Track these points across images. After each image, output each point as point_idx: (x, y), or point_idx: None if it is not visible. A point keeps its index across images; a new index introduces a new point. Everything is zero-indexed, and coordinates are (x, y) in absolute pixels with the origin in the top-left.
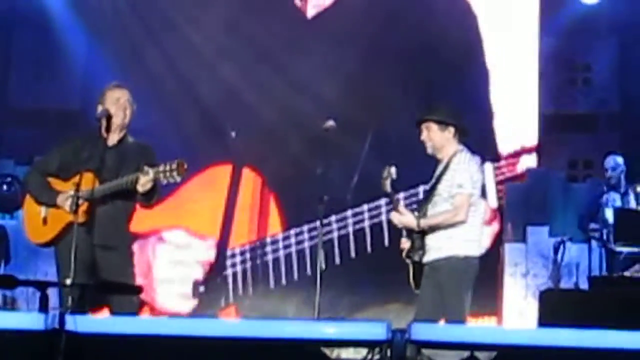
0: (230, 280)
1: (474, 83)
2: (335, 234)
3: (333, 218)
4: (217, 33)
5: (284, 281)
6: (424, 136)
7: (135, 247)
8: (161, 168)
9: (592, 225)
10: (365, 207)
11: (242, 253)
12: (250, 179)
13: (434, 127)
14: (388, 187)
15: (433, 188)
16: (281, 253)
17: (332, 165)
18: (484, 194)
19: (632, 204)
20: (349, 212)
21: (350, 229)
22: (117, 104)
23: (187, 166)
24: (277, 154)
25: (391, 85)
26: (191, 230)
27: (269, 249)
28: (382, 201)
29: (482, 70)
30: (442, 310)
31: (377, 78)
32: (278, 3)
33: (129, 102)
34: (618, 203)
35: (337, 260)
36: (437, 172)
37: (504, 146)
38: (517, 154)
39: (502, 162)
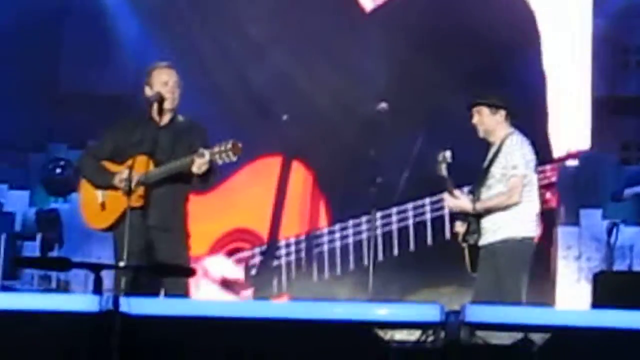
0: (283, 269)
1: (528, 65)
2: (394, 226)
3: (394, 210)
4: (269, 20)
5: (338, 271)
6: (476, 120)
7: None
8: (216, 149)
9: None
10: (427, 200)
11: (295, 244)
12: (300, 171)
13: (485, 110)
14: (444, 171)
15: (486, 171)
16: (337, 244)
17: (384, 149)
18: None
19: None
20: (410, 205)
21: (411, 222)
22: (166, 87)
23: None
24: (329, 140)
25: (444, 74)
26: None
27: (322, 239)
28: (427, 200)
29: (536, 53)
30: (500, 293)
31: (429, 66)
32: None
33: (177, 83)
34: None
35: (396, 251)
36: (490, 154)
37: (556, 145)
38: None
39: (547, 167)
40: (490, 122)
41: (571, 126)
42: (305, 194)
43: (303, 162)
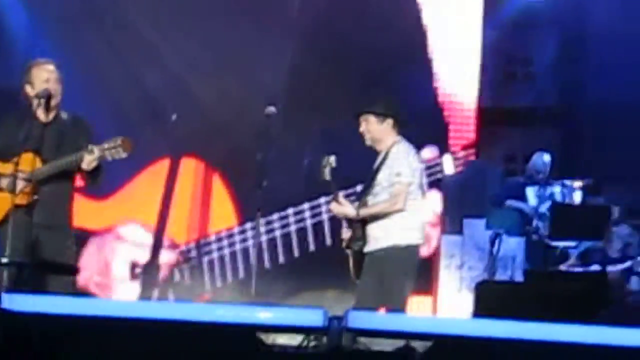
0: (172, 277)
1: (417, 75)
2: (277, 232)
3: (275, 216)
4: (163, 20)
5: (228, 278)
6: (363, 128)
7: (93, 245)
8: (106, 145)
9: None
10: (306, 205)
11: (185, 251)
12: (191, 169)
13: (372, 119)
14: (327, 175)
15: (373, 178)
16: (232, 249)
17: (273, 153)
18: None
19: (558, 197)
20: (291, 210)
21: (293, 228)
22: (47, 84)
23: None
24: (218, 141)
25: (332, 78)
26: (146, 225)
27: (211, 247)
28: (323, 199)
29: (426, 62)
30: (383, 300)
31: (318, 69)
32: None
33: (58, 80)
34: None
35: (282, 259)
36: (377, 162)
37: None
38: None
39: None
40: (376, 130)
41: (458, 135)
42: (196, 192)
43: (195, 160)
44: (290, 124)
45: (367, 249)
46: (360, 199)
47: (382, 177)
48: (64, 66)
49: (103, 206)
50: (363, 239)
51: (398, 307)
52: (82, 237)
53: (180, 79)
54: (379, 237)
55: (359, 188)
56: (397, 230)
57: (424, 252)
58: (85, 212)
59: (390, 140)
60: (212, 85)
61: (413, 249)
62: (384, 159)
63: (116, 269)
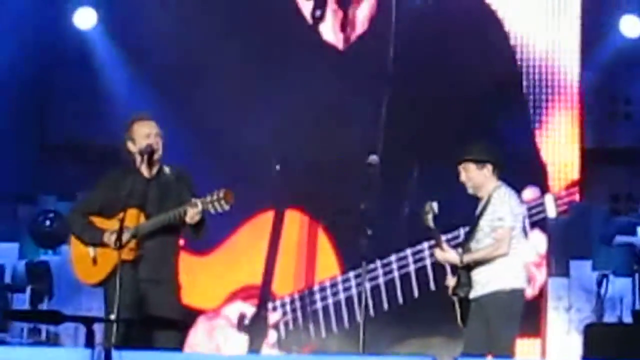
0: (279, 328)
1: (515, 118)
2: (381, 280)
3: (378, 264)
4: (260, 73)
5: (334, 328)
6: (463, 177)
7: (201, 329)
8: (208, 198)
9: None
10: (409, 251)
11: (289, 302)
12: (296, 222)
13: (471, 166)
14: (430, 222)
15: (475, 224)
16: (337, 298)
17: (375, 201)
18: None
19: None
20: (393, 257)
21: (396, 274)
22: (148, 139)
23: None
24: (319, 192)
25: (428, 125)
26: (250, 299)
27: (315, 297)
28: (425, 244)
29: (524, 105)
30: (490, 345)
31: (414, 117)
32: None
33: (158, 134)
34: None
35: (385, 306)
36: (479, 208)
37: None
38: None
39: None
40: (477, 177)
41: (562, 177)
42: (301, 243)
43: (300, 213)
44: (389, 172)
45: (472, 295)
46: (463, 245)
47: (484, 223)
48: (164, 120)
49: (205, 262)
50: (468, 285)
51: (505, 352)
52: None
53: (280, 130)
54: (483, 282)
55: (461, 232)
56: (502, 275)
57: (528, 293)
58: (190, 267)
59: (491, 186)
60: (311, 136)
61: (518, 293)
62: (486, 204)
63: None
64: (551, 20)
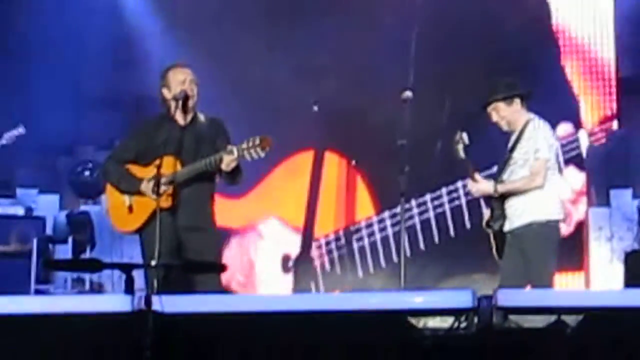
0: (318, 269)
1: (545, 55)
2: (417, 219)
3: (413, 203)
4: (283, 21)
5: (382, 264)
6: (495, 117)
7: (235, 245)
8: (244, 145)
9: None
10: (444, 190)
11: (332, 242)
12: (334, 163)
13: (500, 105)
14: (461, 152)
15: (508, 157)
16: (373, 238)
17: (411, 137)
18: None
19: None
20: (428, 197)
21: (432, 214)
22: (184, 85)
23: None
24: (357, 132)
25: (458, 63)
26: (283, 220)
27: (361, 233)
28: (460, 183)
29: (554, 42)
30: (527, 277)
31: (443, 56)
32: None
33: (193, 81)
34: None
35: (422, 246)
36: (511, 141)
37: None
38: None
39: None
40: (509, 114)
41: (599, 106)
42: (341, 184)
43: (337, 153)
44: (420, 113)
45: (507, 227)
46: (496, 178)
47: (518, 156)
48: (198, 69)
49: (242, 203)
50: (502, 217)
51: (543, 283)
52: (223, 236)
53: (315, 73)
54: (518, 214)
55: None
56: (537, 206)
57: (565, 230)
58: (225, 210)
59: (523, 119)
60: (345, 79)
61: (554, 224)
62: (519, 137)
63: (260, 267)
64: None
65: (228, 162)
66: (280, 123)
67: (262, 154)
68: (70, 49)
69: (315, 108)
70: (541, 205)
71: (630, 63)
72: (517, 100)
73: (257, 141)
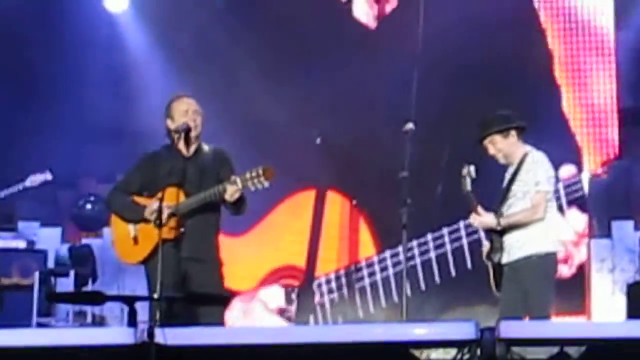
0: (326, 305)
1: (547, 98)
2: (417, 260)
3: (415, 243)
4: (277, 47)
5: (371, 308)
6: (492, 150)
7: (238, 310)
8: (248, 175)
9: None
10: (445, 230)
11: (332, 281)
12: (336, 203)
13: (496, 138)
14: (468, 186)
15: (507, 190)
16: (374, 278)
17: (414, 169)
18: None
19: None
20: (429, 236)
21: (433, 254)
22: (187, 115)
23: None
24: (359, 168)
25: (460, 100)
26: (287, 286)
27: (356, 276)
28: (462, 223)
29: (554, 82)
30: (526, 310)
31: (445, 92)
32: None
33: (197, 111)
34: None
35: (423, 286)
36: (509, 173)
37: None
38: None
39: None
40: (505, 147)
41: (600, 138)
42: (343, 223)
43: (339, 192)
44: (421, 149)
45: (505, 259)
46: (495, 211)
47: (516, 188)
48: (203, 100)
49: (243, 242)
50: (501, 250)
51: (542, 314)
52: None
53: (316, 109)
54: (519, 246)
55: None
56: (538, 239)
57: (566, 272)
58: (225, 248)
59: (520, 151)
60: (346, 114)
61: (552, 257)
62: (517, 170)
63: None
64: None
65: (232, 192)
66: (281, 161)
67: (266, 184)
68: (71, 82)
69: (318, 141)
70: (542, 238)
71: (630, 95)
72: (513, 133)
73: (261, 171)
